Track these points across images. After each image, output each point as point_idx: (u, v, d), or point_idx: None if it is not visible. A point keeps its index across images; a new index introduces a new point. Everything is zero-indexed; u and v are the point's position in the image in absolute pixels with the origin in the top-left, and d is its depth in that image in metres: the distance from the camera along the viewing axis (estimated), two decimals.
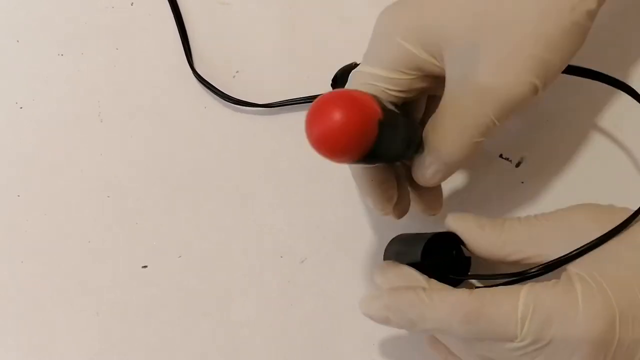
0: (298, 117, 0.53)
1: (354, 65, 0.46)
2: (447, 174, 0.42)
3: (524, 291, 0.37)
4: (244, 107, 0.53)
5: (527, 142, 0.51)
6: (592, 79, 0.45)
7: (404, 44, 0.40)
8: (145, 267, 0.50)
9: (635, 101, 0.44)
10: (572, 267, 0.39)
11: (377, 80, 0.41)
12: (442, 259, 0.42)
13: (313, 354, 0.48)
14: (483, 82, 0.39)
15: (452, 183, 0.50)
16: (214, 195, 0.51)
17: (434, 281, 0.41)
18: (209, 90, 0.54)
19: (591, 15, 0.40)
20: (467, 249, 0.42)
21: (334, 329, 0.48)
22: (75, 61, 0.56)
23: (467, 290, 0.39)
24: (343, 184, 0.51)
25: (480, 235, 0.42)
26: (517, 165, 0.50)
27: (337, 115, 0.31)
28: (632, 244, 0.39)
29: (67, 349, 0.48)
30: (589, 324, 0.36)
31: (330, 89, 0.50)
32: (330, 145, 0.32)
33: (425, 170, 0.41)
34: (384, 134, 0.33)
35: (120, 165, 0.53)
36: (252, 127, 0.53)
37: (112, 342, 0.48)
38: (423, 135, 0.41)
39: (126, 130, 0.54)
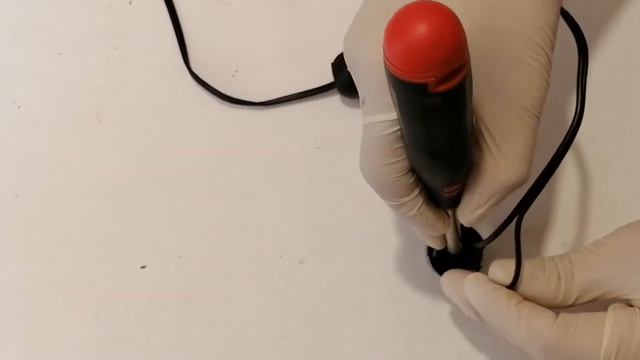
0: (296, 115, 0.53)
1: None
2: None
3: (609, 325, 0.37)
4: (243, 106, 0.53)
5: None
6: None
7: None
8: (144, 267, 0.50)
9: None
10: None
11: (393, 125, 0.36)
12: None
13: (313, 354, 0.48)
14: (517, 88, 0.36)
15: None
16: (214, 195, 0.51)
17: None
18: (207, 90, 0.54)
19: None
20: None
21: (334, 329, 0.48)
22: (74, 60, 0.55)
23: (554, 315, 0.38)
24: (343, 184, 0.51)
25: (537, 290, 0.40)
26: None
27: (441, 14, 0.28)
28: None
29: (66, 349, 0.48)
30: None
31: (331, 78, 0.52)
32: (434, 43, 0.27)
33: (483, 206, 0.38)
34: (468, 75, 0.30)
35: (119, 165, 0.52)
36: (251, 126, 0.53)
37: (111, 342, 0.48)
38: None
39: (124, 130, 0.53)
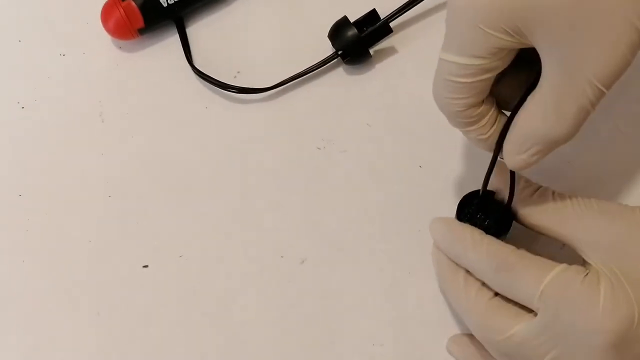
0: (297, 115, 0.53)
1: (344, 19, 0.52)
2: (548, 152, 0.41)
3: (559, 267, 0.40)
4: (245, 105, 0.53)
5: None
6: None
7: (486, 30, 0.38)
8: (146, 266, 0.50)
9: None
10: (599, 264, 0.40)
11: (461, 70, 0.39)
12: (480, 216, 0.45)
13: (313, 354, 0.48)
14: (588, 59, 0.36)
15: (452, 184, 0.50)
16: (215, 195, 0.51)
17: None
18: (210, 90, 0.54)
19: None
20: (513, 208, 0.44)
21: (334, 329, 0.48)
22: (77, 61, 0.56)
23: (513, 247, 0.41)
24: (344, 185, 0.51)
25: (528, 199, 0.43)
26: None
27: None
28: None
29: (67, 348, 0.48)
30: (609, 318, 0.37)
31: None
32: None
33: (524, 153, 0.40)
34: None
35: (122, 165, 0.53)
36: (253, 127, 0.53)
37: (112, 342, 0.48)
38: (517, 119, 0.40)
39: (128, 130, 0.54)
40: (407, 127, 0.52)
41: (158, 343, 0.48)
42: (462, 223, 0.44)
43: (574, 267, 0.40)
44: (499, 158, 0.42)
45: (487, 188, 0.45)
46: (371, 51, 0.53)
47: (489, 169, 0.44)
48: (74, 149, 0.53)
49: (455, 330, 0.48)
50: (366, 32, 0.52)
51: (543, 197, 0.43)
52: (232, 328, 0.48)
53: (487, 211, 0.44)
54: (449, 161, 0.51)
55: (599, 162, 0.51)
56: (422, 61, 0.54)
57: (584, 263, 0.41)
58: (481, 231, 0.43)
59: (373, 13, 0.52)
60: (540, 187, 0.44)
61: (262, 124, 0.53)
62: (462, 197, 0.46)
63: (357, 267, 0.49)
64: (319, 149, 0.52)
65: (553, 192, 0.43)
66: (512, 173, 0.43)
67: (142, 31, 0.54)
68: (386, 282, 0.49)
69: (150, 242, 0.51)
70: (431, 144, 0.52)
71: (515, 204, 0.44)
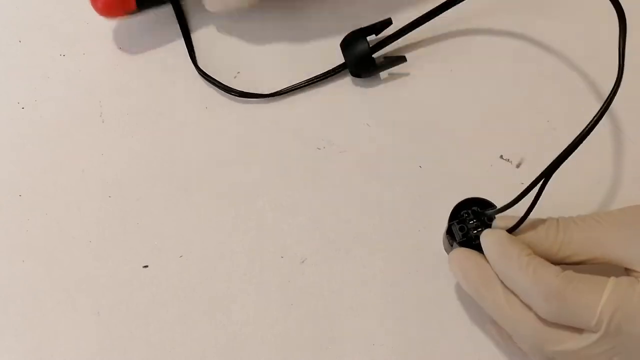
0: (297, 116, 0.53)
1: (357, 32, 0.52)
2: None
3: (611, 284, 0.38)
4: (246, 105, 0.53)
5: (527, 142, 0.51)
6: None
7: None
8: (146, 266, 0.50)
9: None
10: None
11: None
12: (467, 223, 0.45)
13: (313, 354, 0.48)
14: None
15: (452, 184, 0.50)
16: (215, 195, 0.51)
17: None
18: (211, 90, 0.54)
19: None
20: None
21: (334, 329, 0.48)
22: (77, 61, 0.56)
23: (560, 269, 0.39)
24: (344, 185, 0.51)
25: (534, 238, 0.41)
26: (518, 166, 0.51)
27: None
28: None
29: (67, 349, 0.48)
30: None
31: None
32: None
33: None
34: None
35: (122, 165, 0.53)
36: (253, 127, 0.53)
37: (112, 342, 0.48)
38: None
39: (128, 130, 0.54)
40: (407, 127, 0.52)
41: (158, 343, 0.48)
42: (512, 239, 0.41)
43: (624, 280, 0.38)
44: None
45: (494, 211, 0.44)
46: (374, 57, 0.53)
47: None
48: (74, 149, 0.53)
49: (454, 330, 0.48)
50: (381, 58, 0.53)
51: (568, 230, 0.41)
52: (232, 328, 0.48)
53: (482, 222, 0.44)
54: (449, 161, 0.51)
55: (599, 162, 0.51)
56: (422, 62, 0.54)
57: (627, 272, 0.40)
58: (529, 251, 0.40)
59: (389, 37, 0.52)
60: (557, 219, 0.42)
61: (262, 123, 0.53)
62: (462, 199, 0.46)
63: (357, 267, 0.49)
64: (319, 149, 0.52)
65: (574, 220, 0.42)
66: (527, 212, 0.42)
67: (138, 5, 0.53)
68: (386, 282, 0.49)
69: (150, 242, 0.51)
70: (431, 144, 0.52)
71: (550, 248, 0.42)
